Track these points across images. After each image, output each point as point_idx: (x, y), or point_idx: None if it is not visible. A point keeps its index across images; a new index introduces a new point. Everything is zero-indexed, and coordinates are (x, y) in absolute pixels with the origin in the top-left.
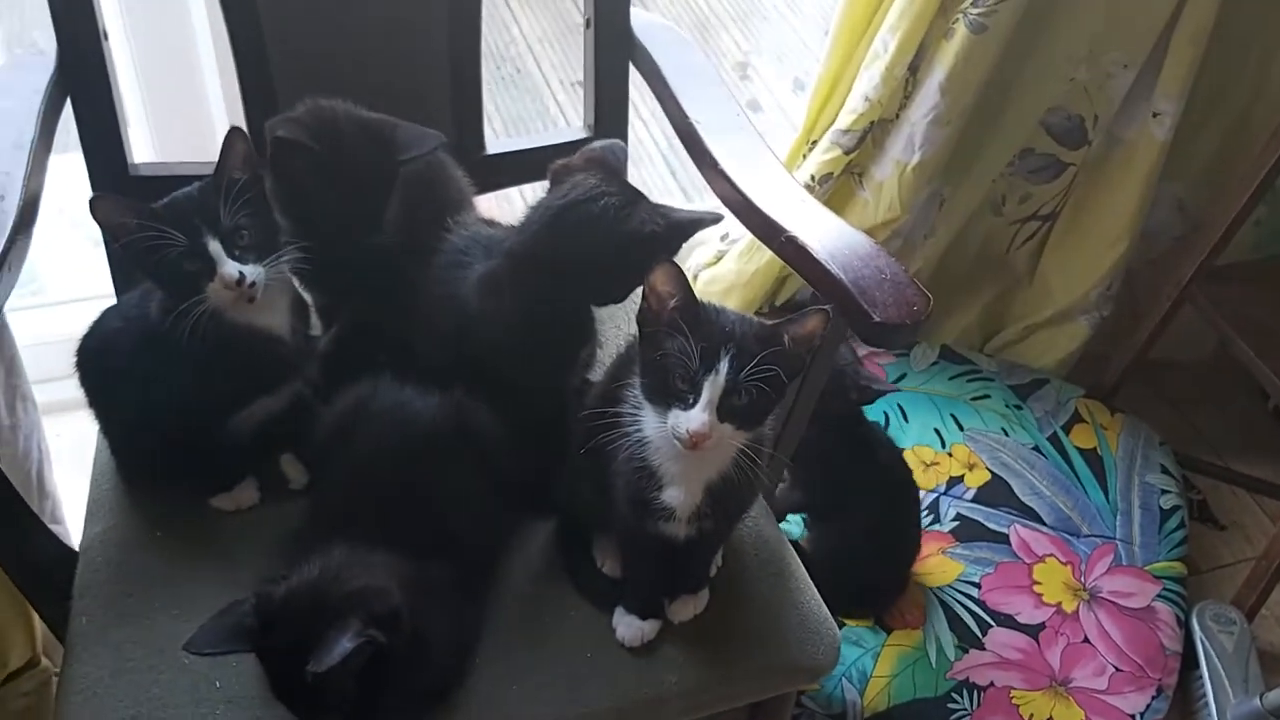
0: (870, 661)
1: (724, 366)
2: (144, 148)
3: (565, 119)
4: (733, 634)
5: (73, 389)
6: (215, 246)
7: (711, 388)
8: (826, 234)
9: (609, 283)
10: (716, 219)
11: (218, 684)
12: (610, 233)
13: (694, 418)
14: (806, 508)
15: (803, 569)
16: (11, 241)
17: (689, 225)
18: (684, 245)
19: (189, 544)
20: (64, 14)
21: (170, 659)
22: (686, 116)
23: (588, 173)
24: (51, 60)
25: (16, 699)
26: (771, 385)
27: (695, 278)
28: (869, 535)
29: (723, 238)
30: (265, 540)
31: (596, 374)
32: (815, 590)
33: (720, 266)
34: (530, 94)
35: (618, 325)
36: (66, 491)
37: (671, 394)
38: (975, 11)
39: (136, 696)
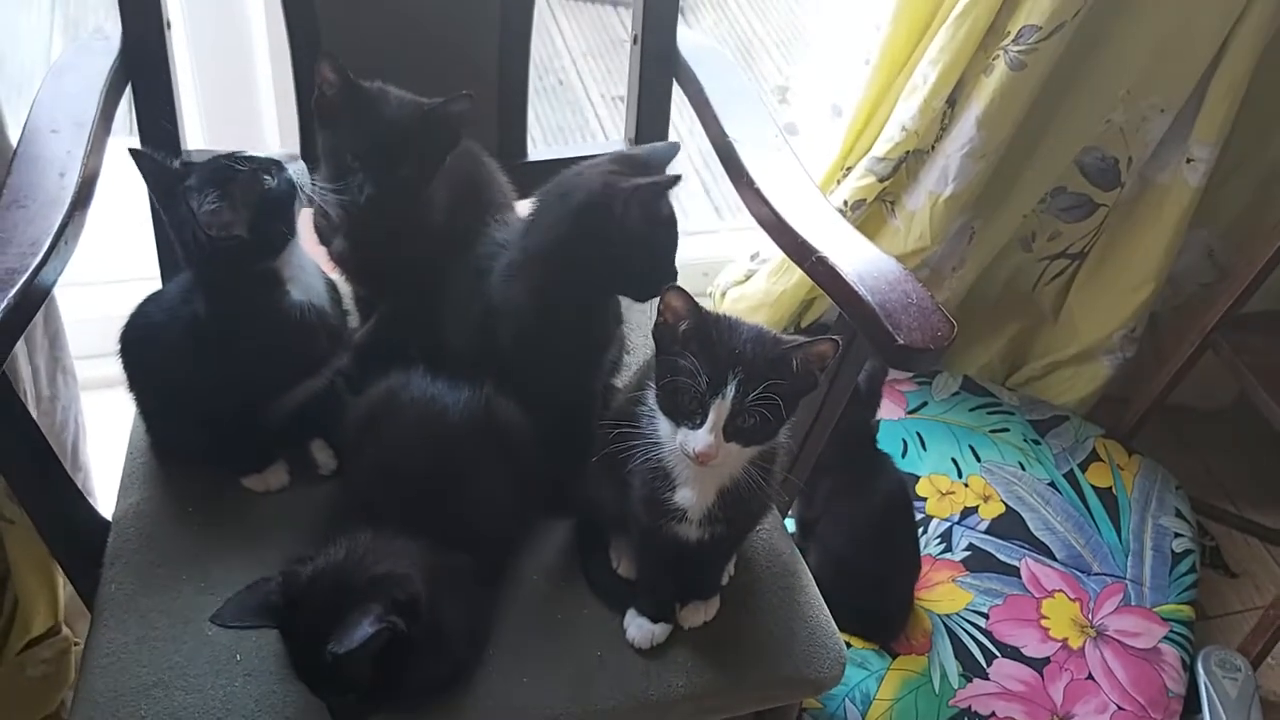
0: (874, 684)
1: (730, 391)
2: (194, 134)
3: (604, 132)
4: (741, 642)
5: (109, 367)
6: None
7: (717, 411)
8: (857, 257)
9: (592, 264)
10: (673, 180)
11: (238, 657)
12: (569, 206)
13: (699, 438)
14: (800, 520)
15: (813, 583)
16: (70, 216)
17: (645, 188)
18: (714, 262)
19: (219, 521)
20: (131, 3)
21: (194, 630)
22: (726, 135)
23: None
24: (115, 45)
25: (36, 665)
26: (778, 408)
27: (723, 295)
28: (862, 556)
29: (752, 257)
30: (293, 521)
31: (623, 379)
32: (824, 605)
33: (748, 285)
34: (571, 106)
35: (645, 334)
36: (96, 467)
37: (681, 413)
38: (1016, 49)
39: (159, 664)
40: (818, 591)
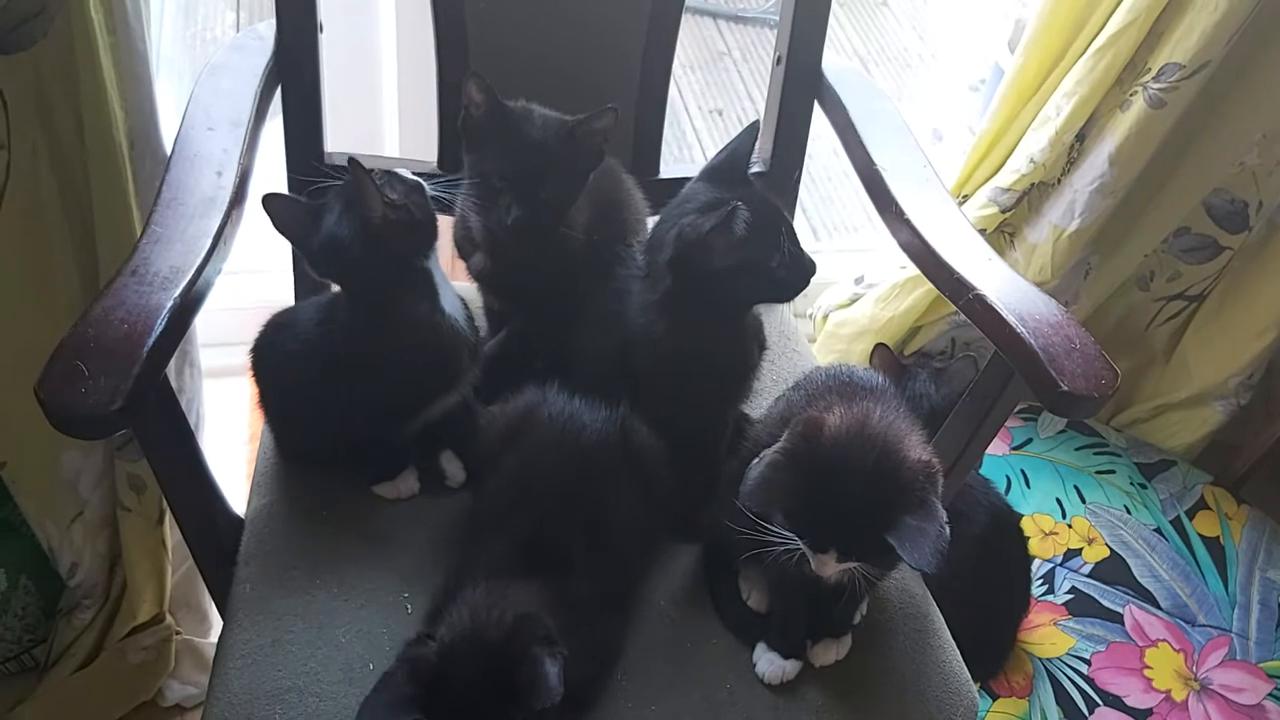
0: None
1: (833, 551)
2: None
3: (701, 146)
4: (873, 684)
5: (227, 357)
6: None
7: (826, 556)
8: (1015, 296)
9: (714, 296)
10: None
11: (371, 665)
12: (664, 261)
13: (814, 562)
14: None
15: (945, 627)
16: (228, 215)
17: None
18: (814, 284)
19: (351, 526)
20: (287, 5)
21: (328, 636)
22: (872, 162)
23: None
24: (269, 46)
25: (138, 652)
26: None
27: (825, 318)
28: (966, 576)
29: (857, 281)
30: (424, 530)
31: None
32: (958, 650)
33: (853, 310)
34: (669, 119)
35: (771, 360)
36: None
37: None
38: (1156, 86)
39: (294, 669)
40: (950, 635)
